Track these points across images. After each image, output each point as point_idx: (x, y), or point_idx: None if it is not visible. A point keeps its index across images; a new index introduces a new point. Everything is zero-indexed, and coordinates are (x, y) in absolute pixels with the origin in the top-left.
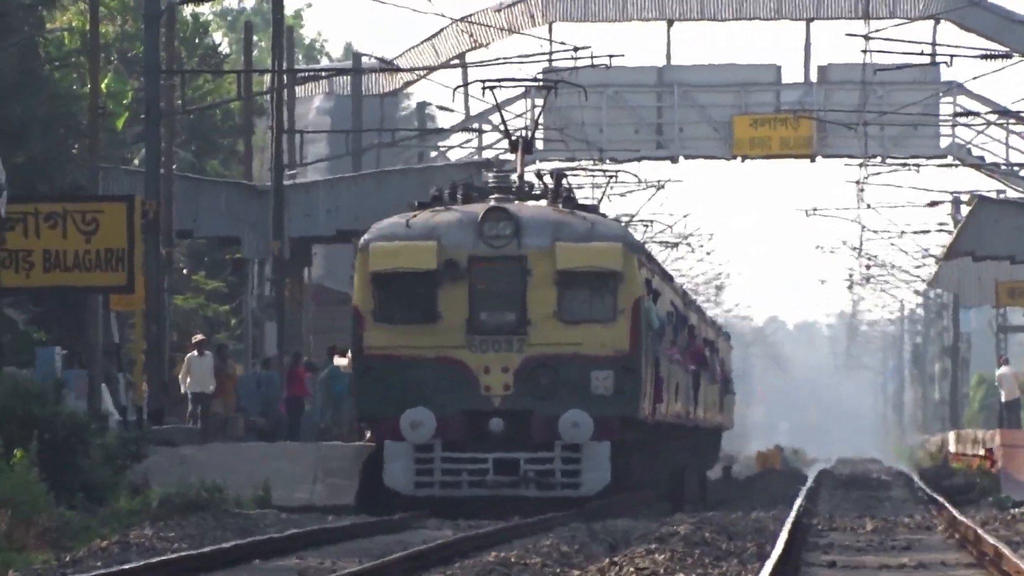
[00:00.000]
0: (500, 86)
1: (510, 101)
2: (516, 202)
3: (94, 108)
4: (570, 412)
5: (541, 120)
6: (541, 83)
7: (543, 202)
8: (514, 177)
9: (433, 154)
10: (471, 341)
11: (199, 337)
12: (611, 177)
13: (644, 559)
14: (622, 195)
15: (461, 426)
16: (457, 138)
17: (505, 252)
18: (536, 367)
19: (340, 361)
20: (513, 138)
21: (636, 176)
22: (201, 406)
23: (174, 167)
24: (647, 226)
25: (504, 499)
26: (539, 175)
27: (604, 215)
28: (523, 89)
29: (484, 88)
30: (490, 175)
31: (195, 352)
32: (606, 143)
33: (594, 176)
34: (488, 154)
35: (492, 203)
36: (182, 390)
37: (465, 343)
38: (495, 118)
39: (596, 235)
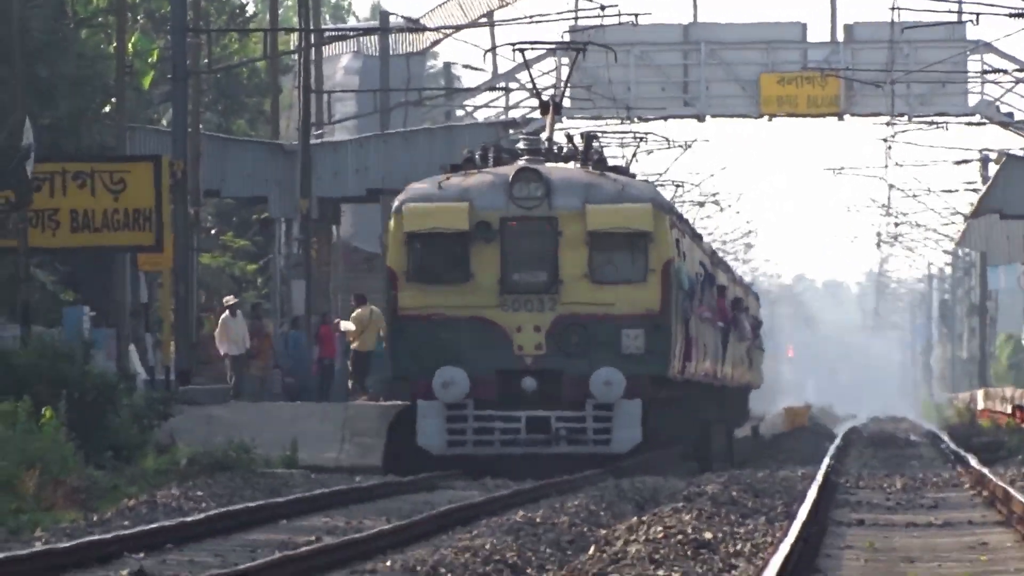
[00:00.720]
0: (530, 48)
1: (538, 59)
2: (547, 164)
3: (121, 68)
4: (602, 371)
5: (566, 77)
6: (570, 45)
7: (573, 164)
8: (544, 139)
9: (460, 113)
10: (503, 301)
11: (230, 299)
12: (640, 139)
13: (672, 518)
14: (648, 153)
15: (493, 385)
16: (484, 97)
17: (536, 213)
18: (568, 326)
19: (346, 325)
20: (543, 100)
21: (666, 138)
22: (237, 367)
23: (201, 127)
24: (678, 187)
25: (536, 457)
26: (569, 137)
27: (634, 176)
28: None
29: (514, 50)
30: (521, 137)
31: (227, 313)
32: (633, 101)
33: (623, 138)
34: (515, 113)
35: (523, 165)
36: (221, 352)
37: (497, 303)
38: (522, 77)
39: (626, 196)
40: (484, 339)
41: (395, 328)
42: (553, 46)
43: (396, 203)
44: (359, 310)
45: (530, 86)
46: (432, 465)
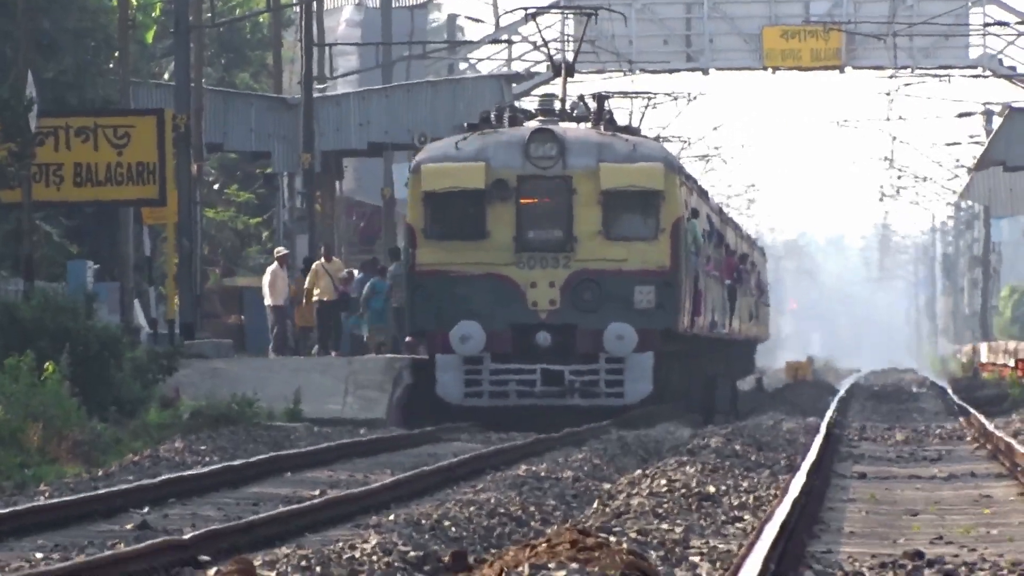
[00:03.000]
0: (542, 12)
1: (543, 11)
2: (560, 124)
3: (124, 21)
4: (614, 325)
5: (572, 34)
6: (581, 9)
7: (586, 124)
8: (558, 100)
9: (463, 66)
10: (519, 258)
11: (281, 250)
12: (650, 98)
13: (675, 471)
14: (653, 107)
15: (509, 339)
16: (487, 50)
17: (551, 172)
18: (581, 282)
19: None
20: (555, 62)
21: (672, 95)
22: (280, 318)
23: (203, 81)
24: (684, 143)
25: (550, 409)
26: (582, 98)
27: (646, 136)
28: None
29: (527, 15)
30: (536, 97)
31: (276, 265)
32: (636, 56)
33: (632, 97)
34: (518, 66)
35: (538, 125)
36: (265, 303)
37: (513, 260)
38: (525, 30)
39: (638, 156)
40: (500, 295)
41: (413, 284)
42: (565, 10)
43: (414, 162)
44: (315, 264)
45: (533, 40)
46: (455, 415)
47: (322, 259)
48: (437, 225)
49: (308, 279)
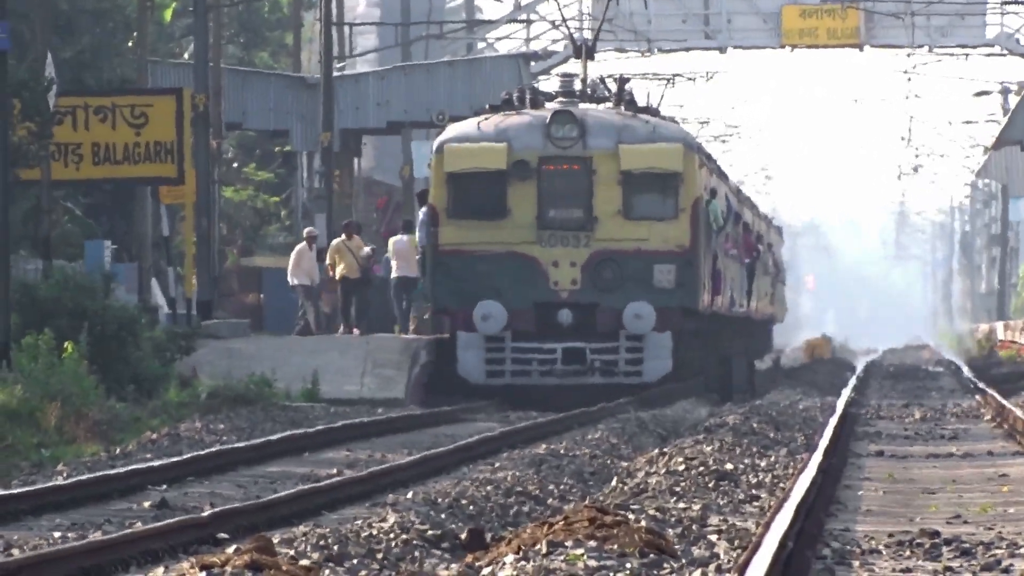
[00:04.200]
0: None
1: None
2: (581, 106)
3: (143, 1)
4: (634, 304)
5: (590, 13)
6: None
7: (607, 106)
8: (579, 81)
9: (481, 45)
10: (540, 237)
11: (311, 230)
12: (668, 81)
13: (693, 450)
14: (672, 86)
15: (531, 318)
16: (505, 30)
17: (572, 153)
18: (602, 261)
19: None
20: (576, 44)
21: (690, 76)
22: (311, 297)
23: (222, 60)
24: (703, 124)
25: (571, 387)
26: (602, 79)
27: (665, 118)
28: None
29: None
30: (557, 77)
31: (304, 244)
32: (654, 34)
33: (652, 78)
34: (536, 45)
35: (559, 107)
36: (291, 283)
37: (535, 239)
38: (542, 9)
39: (658, 137)
40: (522, 274)
41: (436, 263)
42: None
43: (437, 143)
44: (335, 241)
45: (552, 20)
46: (477, 393)
47: (343, 236)
48: (459, 205)
49: (329, 256)
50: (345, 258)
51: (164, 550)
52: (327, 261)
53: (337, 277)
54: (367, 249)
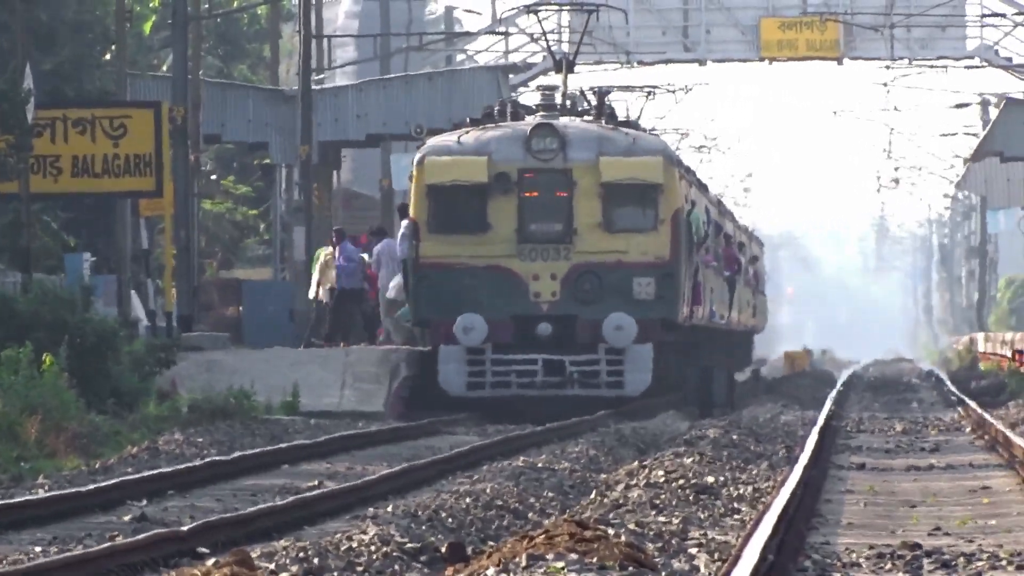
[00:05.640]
0: (542, 9)
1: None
2: (561, 119)
3: (121, 13)
4: (614, 316)
5: (569, 26)
6: (583, 6)
7: (587, 118)
8: (559, 94)
9: (460, 58)
10: (521, 250)
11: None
12: (648, 93)
13: (673, 462)
14: (652, 98)
15: (511, 330)
16: (484, 42)
17: (552, 166)
18: (582, 274)
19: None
20: (557, 59)
21: (670, 87)
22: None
23: (201, 73)
24: (682, 135)
25: (551, 399)
26: (583, 92)
27: (645, 130)
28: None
29: (528, 12)
30: (540, 90)
31: (330, 248)
32: (633, 46)
33: (634, 90)
34: (515, 58)
35: (539, 120)
36: (319, 294)
37: (515, 252)
38: (522, 22)
39: (638, 149)
40: (502, 286)
41: (417, 276)
42: (567, 7)
43: (418, 156)
44: (325, 251)
45: (531, 32)
46: (458, 406)
47: (335, 248)
48: (440, 218)
49: (318, 268)
50: (333, 270)
51: (144, 564)
52: (315, 275)
53: (329, 287)
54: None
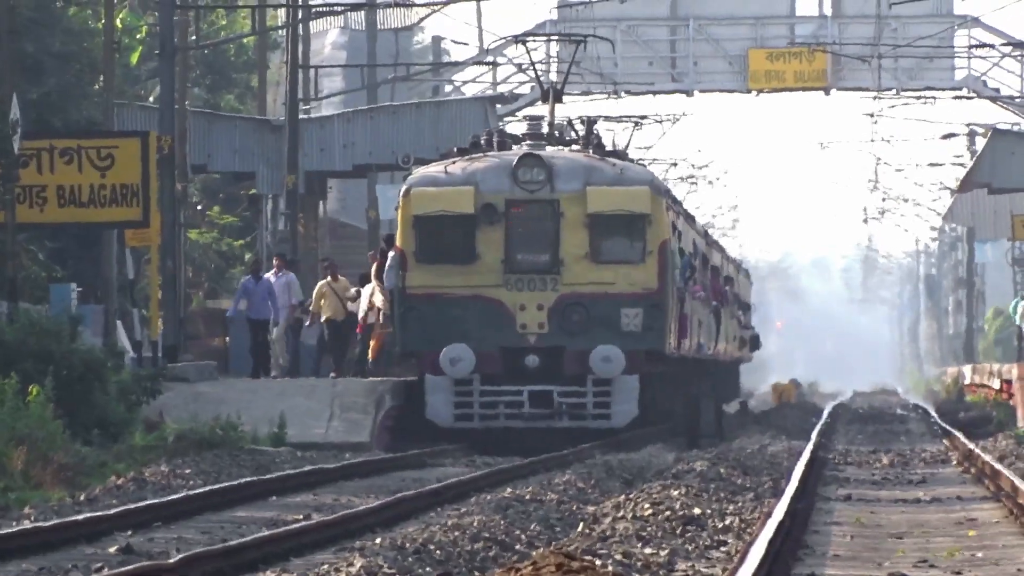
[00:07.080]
0: (530, 40)
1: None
2: (548, 149)
3: (109, 44)
4: (601, 347)
5: (557, 56)
6: (571, 37)
7: (574, 148)
8: (546, 124)
9: (448, 88)
10: (508, 280)
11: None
12: (636, 123)
13: (660, 494)
14: (638, 127)
15: (498, 361)
16: (471, 72)
17: (539, 196)
18: (569, 305)
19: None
20: (544, 88)
21: (658, 118)
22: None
23: (188, 103)
24: (670, 165)
25: (539, 431)
26: (570, 122)
27: (632, 160)
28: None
29: (516, 42)
30: (526, 120)
31: (329, 279)
32: (620, 77)
33: (622, 121)
34: (503, 88)
35: (526, 150)
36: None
37: (502, 282)
38: (510, 52)
39: (625, 180)
40: (489, 317)
41: (404, 306)
42: (553, 38)
43: (404, 187)
44: (320, 283)
45: (518, 63)
46: (445, 437)
47: (329, 278)
48: (427, 248)
49: (313, 299)
50: (330, 300)
51: None
52: (311, 306)
53: (323, 319)
54: (353, 291)
